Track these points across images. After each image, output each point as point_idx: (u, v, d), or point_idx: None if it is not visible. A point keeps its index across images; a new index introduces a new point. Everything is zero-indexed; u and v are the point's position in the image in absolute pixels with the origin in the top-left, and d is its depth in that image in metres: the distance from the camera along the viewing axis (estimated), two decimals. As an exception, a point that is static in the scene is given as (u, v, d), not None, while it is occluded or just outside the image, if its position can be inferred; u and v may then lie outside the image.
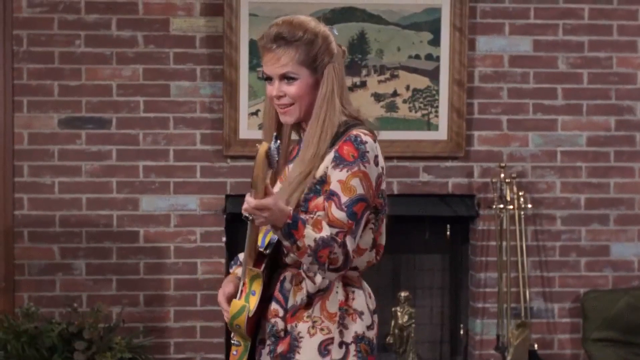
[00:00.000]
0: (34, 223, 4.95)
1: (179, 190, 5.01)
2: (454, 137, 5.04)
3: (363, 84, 5.02)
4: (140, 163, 4.99)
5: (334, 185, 2.71)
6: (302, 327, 2.75)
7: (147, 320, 5.00)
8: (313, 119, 2.78)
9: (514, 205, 5.02)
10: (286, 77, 2.78)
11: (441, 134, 5.05)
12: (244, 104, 4.95)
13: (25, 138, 4.95)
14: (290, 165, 2.87)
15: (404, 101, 5.04)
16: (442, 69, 5.02)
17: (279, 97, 2.80)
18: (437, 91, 5.03)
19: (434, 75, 5.03)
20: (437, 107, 5.04)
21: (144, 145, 4.99)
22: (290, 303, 2.77)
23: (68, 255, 4.98)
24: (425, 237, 5.21)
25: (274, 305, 2.79)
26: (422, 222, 5.18)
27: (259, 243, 2.80)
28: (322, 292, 2.76)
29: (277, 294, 2.80)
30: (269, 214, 2.58)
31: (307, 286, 2.75)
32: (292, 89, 2.78)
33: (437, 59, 5.02)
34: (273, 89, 2.80)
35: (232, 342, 2.82)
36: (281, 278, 2.81)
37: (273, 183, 2.84)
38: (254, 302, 2.74)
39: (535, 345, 5.06)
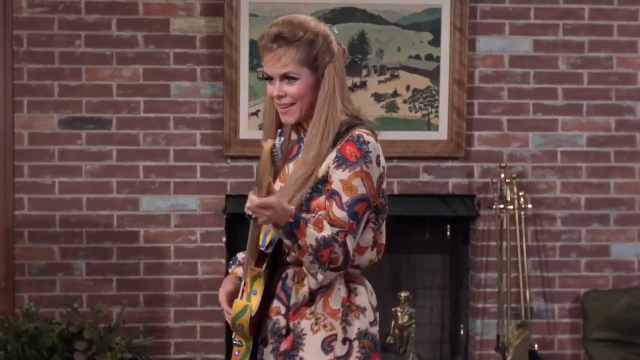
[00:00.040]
0: (34, 223, 4.95)
1: (179, 190, 5.01)
2: (454, 137, 5.05)
3: (363, 84, 5.02)
4: (140, 163, 4.99)
5: (336, 185, 2.71)
6: (305, 324, 2.75)
7: (147, 321, 5.00)
8: (315, 119, 2.77)
9: (514, 205, 5.02)
10: (287, 77, 2.77)
11: (441, 134, 5.05)
12: (244, 104, 4.95)
13: (25, 138, 4.95)
14: (290, 164, 2.87)
15: (404, 101, 5.05)
16: (443, 69, 5.02)
17: (280, 97, 2.79)
18: (438, 91, 5.04)
19: (434, 75, 5.04)
20: (437, 107, 5.04)
21: (144, 146, 4.99)
22: (292, 300, 2.77)
23: (68, 256, 4.98)
24: (425, 237, 5.21)
25: (275, 303, 2.79)
26: (423, 222, 5.18)
27: (260, 242, 2.80)
28: (325, 289, 2.76)
29: (279, 291, 2.80)
30: (272, 212, 2.58)
31: (310, 283, 2.74)
32: (293, 88, 2.78)
33: (438, 59, 5.03)
34: (274, 88, 2.80)
35: (234, 342, 2.82)
36: (283, 276, 2.81)
37: (273, 181, 2.84)
38: (255, 301, 2.74)
39: (536, 346, 5.06)
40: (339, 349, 2.73)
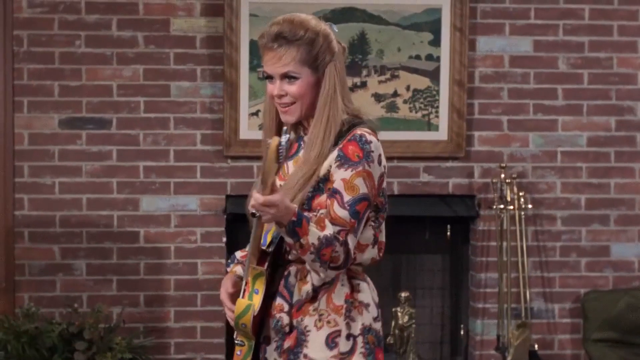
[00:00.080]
0: (34, 223, 4.95)
1: (180, 190, 5.01)
2: (455, 137, 5.05)
3: (363, 85, 5.02)
4: (140, 163, 4.99)
5: (337, 184, 2.71)
6: (309, 320, 2.75)
7: (147, 321, 5.00)
8: (316, 118, 2.77)
9: (514, 205, 5.02)
10: (287, 77, 2.77)
11: (441, 134, 5.05)
12: (244, 105, 4.95)
13: (25, 138, 4.95)
14: (290, 162, 2.86)
15: (405, 101, 5.05)
16: (443, 70, 5.02)
17: (280, 96, 2.79)
18: (438, 91, 5.04)
19: (434, 75, 5.04)
20: (437, 107, 5.04)
21: (144, 146, 4.99)
22: (295, 298, 2.77)
23: (68, 256, 4.98)
24: (425, 237, 5.21)
25: (278, 301, 2.79)
26: (423, 223, 5.17)
27: (261, 241, 2.79)
28: (328, 286, 2.76)
29: (281, 289, 2.79)
30: (276, 210, 2.58)
31: (313, 279, 2.74)
32: (293, 88, 2.77)
33: (438, 59, 5.03)
34: (274, 87, 2.79)
35: (236, 342, 2.81)
36: (285, 273, 2.80)
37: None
38: (258, 300, 2.73)
39: (536, 346, 5.06)
40: (343, 345, 2.73)
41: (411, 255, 5.27)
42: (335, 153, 2.74)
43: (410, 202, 5.08)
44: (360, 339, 2.75)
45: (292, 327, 2.76)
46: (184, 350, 5.04)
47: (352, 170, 2.71)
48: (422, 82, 5.04)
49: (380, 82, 5.03)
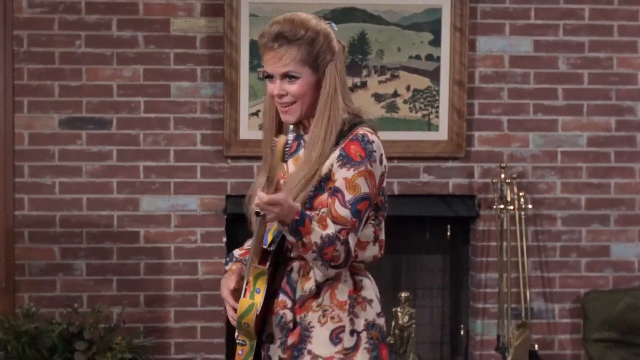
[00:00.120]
0: (34, 223, 4.95)
1: (180, 190, 5.01)
2: (455, 137, 5.05)
3: (363, 85, 5.02)
4: (140, 163, 4.99)
5: (339, 183, 2.71)
6: (312, 316, 2.75)
7: (147, 321, 5.00)
8: (317, 118, 2.77)
9: (514, 205, 5.02)
10: (288, 76, 2.77)
11: (442, 134, 5.05)
12: (244, 105, 4.95)
13: (25, 138, 4.95)
14: (289, 161, 2.86)
15: (405, 101, 5.05)
16: (443, 70, 5.02)
17: (281, 96, 2.79)
18: (438, 91, 5.04)
19: (434, 75, 5.04)
20: (437, 107, 5.04)
21: (144, 146, 4.99)
22: (298, 294, 2.77)
23: (68, 256, 4.97)
24: (425, 237, 5.21)
25: (281, 297, 2.79)
26: (423, 223, 5.17)
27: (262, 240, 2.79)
28: (331, 281, 2.76)
29: (284, 285, 2.79)
30: (280, 209, 2.58)
31: (316, 275, 2.75)
32: (293, 87, 2.77)
33: (438, 59, 5.03)
34: (274, 87, 2.79)
35: (237, 341, 2.80)
36: (288, 270, 2.80)
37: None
38: (259, 299, 2.73)
39: (536, 346, 5.06)
40: (347, 341, 2.73)
41: (411, 255, 5.27)
42: (337, 152, 2.74)
43: (410, 202, 5.08)
44: (364, 335, 2.75)
45: (295, 323, 2.76)
46: (184, 350, 5.04)
47: (354, 170, 2.71)
48: (422, 82, 5.04)
49: (380, 82, 5.03)
